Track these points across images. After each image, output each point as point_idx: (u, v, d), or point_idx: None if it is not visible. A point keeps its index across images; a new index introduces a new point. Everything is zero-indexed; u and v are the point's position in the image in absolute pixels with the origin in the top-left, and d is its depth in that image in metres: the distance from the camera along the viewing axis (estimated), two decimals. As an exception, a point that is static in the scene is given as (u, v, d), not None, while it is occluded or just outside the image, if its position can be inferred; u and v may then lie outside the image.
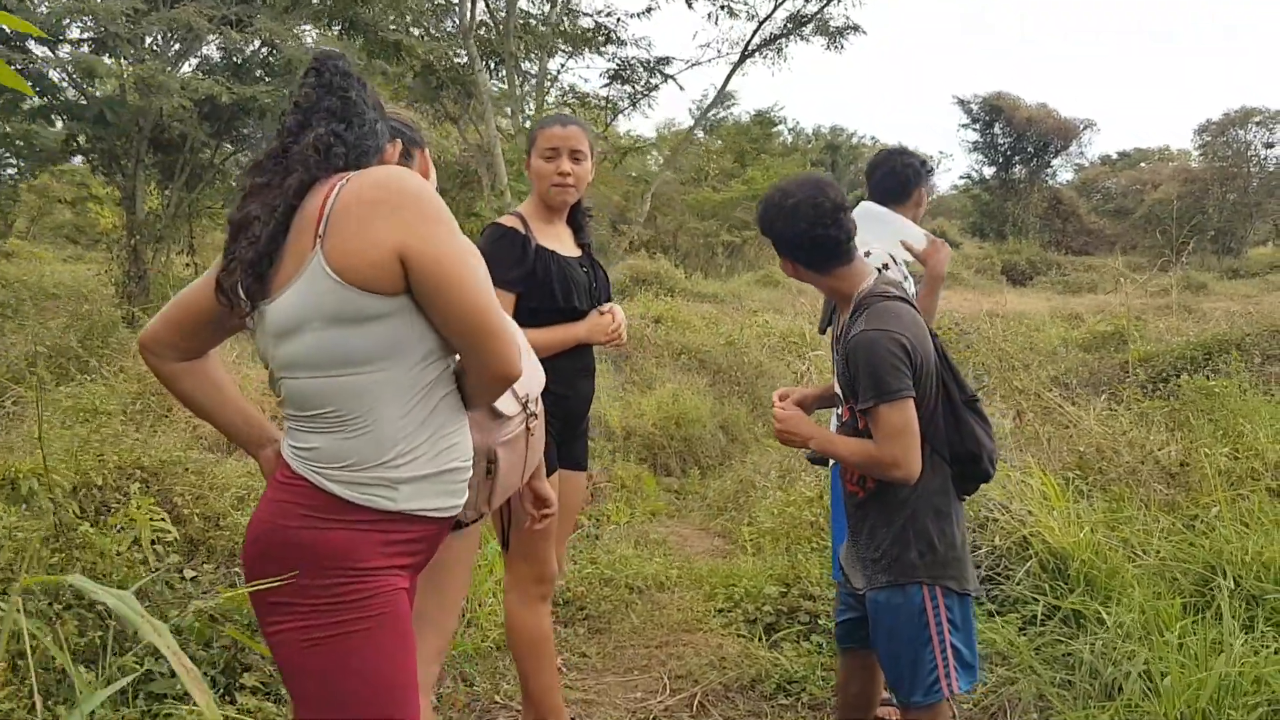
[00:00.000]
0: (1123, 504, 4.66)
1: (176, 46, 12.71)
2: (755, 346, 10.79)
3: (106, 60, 11.95)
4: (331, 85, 1.83)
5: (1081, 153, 41.98)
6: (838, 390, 2.79)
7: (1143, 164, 45.23)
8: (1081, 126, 39.07)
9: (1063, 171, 42.02)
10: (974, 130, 38.89)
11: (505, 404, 2.09)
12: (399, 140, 2.06)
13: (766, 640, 4.21)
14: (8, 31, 10.90)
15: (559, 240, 3.07)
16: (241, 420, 2.05)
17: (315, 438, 1.80)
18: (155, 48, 12.66)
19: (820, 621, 4.23)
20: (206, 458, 4.80)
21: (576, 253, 3.12)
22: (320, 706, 1.80)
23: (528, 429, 2.19)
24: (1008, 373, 7.30)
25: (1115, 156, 48.27)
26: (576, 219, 3.18)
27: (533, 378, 2.23)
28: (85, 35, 12.27)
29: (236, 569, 4.02)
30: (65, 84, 12.26)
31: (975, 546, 4.38)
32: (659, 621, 4.41)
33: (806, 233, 2.62)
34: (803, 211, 2.60)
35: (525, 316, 2.90)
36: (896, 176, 3.77)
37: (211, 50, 13.35)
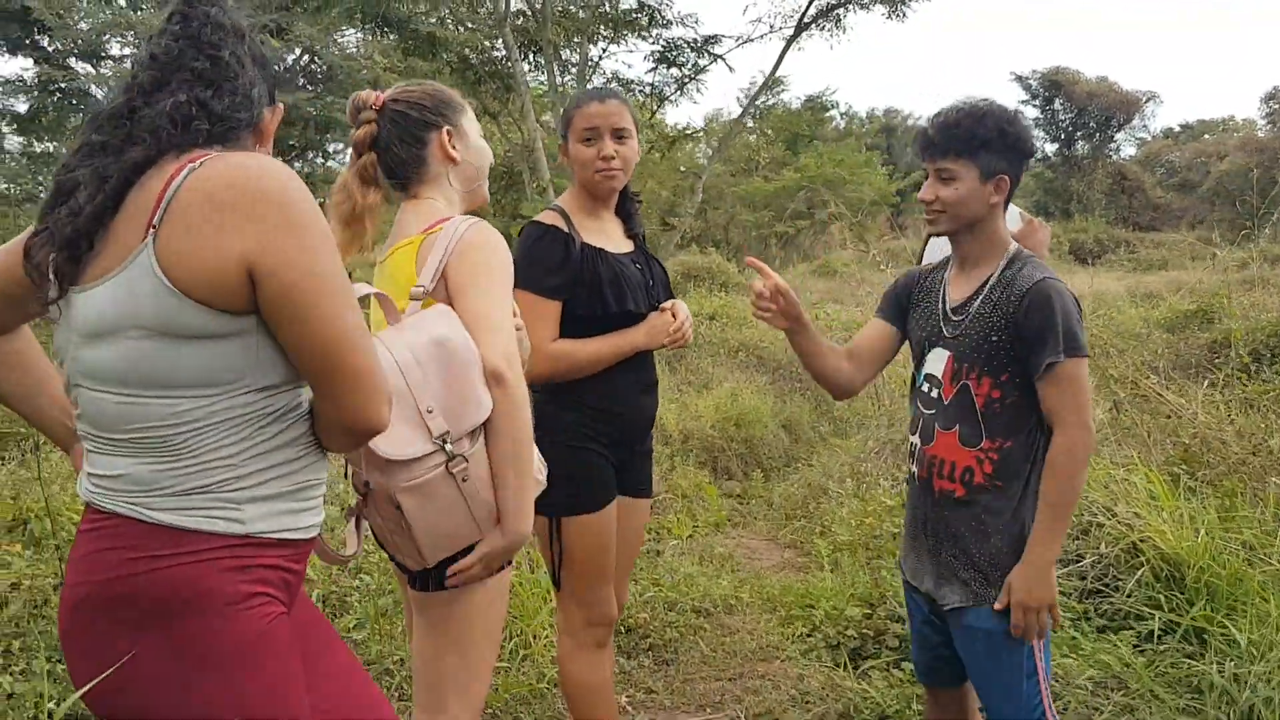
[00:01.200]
0: (1236, 501, 4.22)
1: (217, 58, 12.58)
2: (817, 340, 10.30)
3: (148, 75, 11.83)
4: (199, 39, 1.51)
5: (1145, 126, 40.86)
6: (931, 369, 2.43)
7: (1207, 135, 43.99)
8: (1144, 99, 37.99)
9: (1126, 146, 40.98)
10: (1034, 107, 37.92)
11: (398, 446, 1.76)
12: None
13: (853, 669, 3.80)
14: (49, 50, 10.87)
15: (606, 235, 2.69)
16: (57, 409, 1.73)
17: (120, 462, 1.46)
18: (196, 60, 12.54)
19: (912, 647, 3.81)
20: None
21: (628, 247, 2.75)
22: None
23: (449, 472, 1.82)
24: (1100, 360, 6.78)
25: (1178, 129, 46.96)
26: (625, 207, 2.80)
27: (464, 410, 1.85)
28: (127, 51, 12.21)
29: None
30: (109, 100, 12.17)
31: (1079, 556, 3.99)
32: (731, 649, 4.02)
33: (1029, 146, 2.35)
34: (1023, 122, 2.35)
35: (574, 325, 2.54)
36: None
37: (252, 60, 13.21)
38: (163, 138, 1.45)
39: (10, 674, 2.56)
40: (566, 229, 2.58)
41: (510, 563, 2.08)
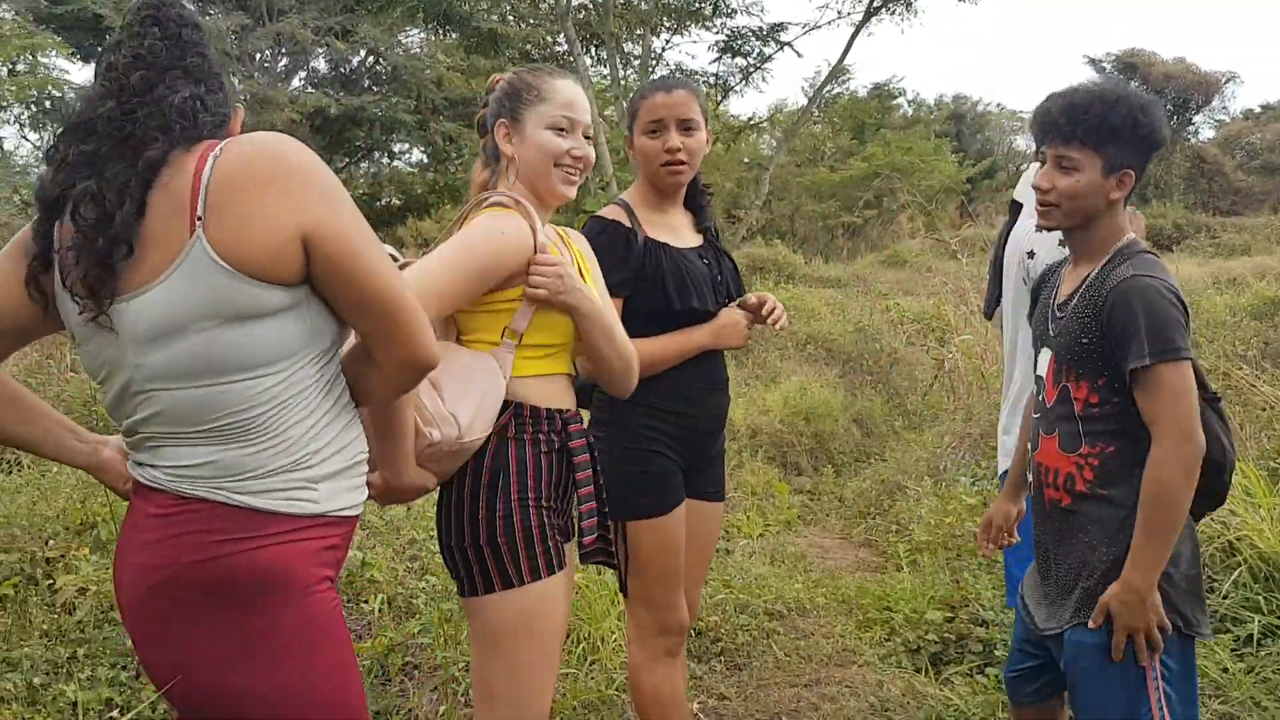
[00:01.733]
0: (1339, 497, 4.00)
1: (284, 61, 12.78)
2: (888, 332, 10.09)
3: (217, 79, 12.03)
4: (182, 38, 1.54)
5: (1224, 108, 39.50)
6: (1040, 371, 2.28)
7: (1290, 115, 42.38)
8: (1223, 80, 36.74)
9: (1205, 128, 39.66)
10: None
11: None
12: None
13: (934, 675, 3.65)
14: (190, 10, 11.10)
15: (673, 230, 2.59)
16: (61, 429, 1.73)
17: (206, 450, 1.51)
18: (265, 64, 12.73)
19: (996, 652, 3.65)
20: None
21: (696, 241, 2.64)
22: None
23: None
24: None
25: (1259, 110, 45.28)
26: (695, 200, 2.69)
27: (475, 416, 1.92)
28: (196, 56, 12.41)
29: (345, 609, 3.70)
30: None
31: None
32: (806, 654, 3.89)
33: (1161, 138, 2.15)
34: (1158, 111, 2.14)
35: (637, 323, 2.43)
36: None
37: (319, 63, 13.38)
38: (175, 134, 1.47)
39: (76, 681, 2.54)
40: (629, 223, 2.49)
41: (560, 568, 2.00)
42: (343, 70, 13.10)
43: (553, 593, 1.99)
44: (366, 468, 1.69)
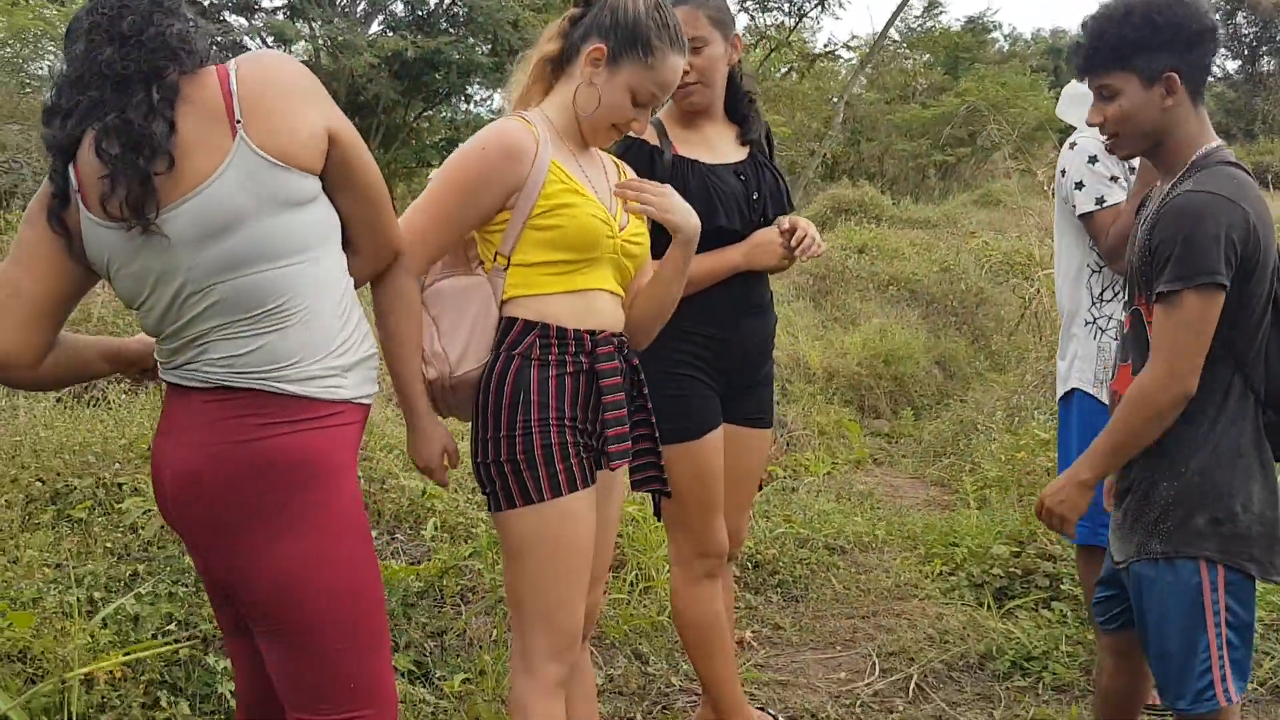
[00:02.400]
0: None
1: (363, 5, 12.85)
2: (974, 271, 9.80)
3: (298, 25, 12.17)
4: None
5: (1345, 35, 37.10)
6: (1117, 292, 2.25)
7: None
8: (1344, 6, 34.50)
9: (1321, 58, 37.35)
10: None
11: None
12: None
13: (997, 609, 3.57)
14: (205, 4, 11.30)
15: (709, 145, 2.50)
16: (107, 356, 1.92)
17: (256, 340, 1.65)
18: (344, 9, 12.82)
19: (1064, 586, 3.55)
20: (373, 416, 4.55)
21: (738, 156, 2.54)
22: (319, 630, 1.70)
23: None
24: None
25: (1385, 36, 42.46)
26: (739, 111, 2.60)
27: (466, 348, 2.00)
28: (279, 3, 12.58)
29: (402, 533, 3.76)
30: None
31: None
32: (865, 587, 3.84)
33: (1195, 28, 1.98)
34: (1185, 6, 1.99)
35: (664, 244, 2.36)
36: None
37: (397, 6, 13.42)
38: (182, 59, 1.61)
39: (137, 596, 2.63)
40: (656, 141, 2.42)
41: (583, 486, 1.98)
42: (420, 13, 13.10)
43: (574, 510, 1.97)
44: (377, 361, 1.83)
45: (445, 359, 1.97)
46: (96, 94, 1.59)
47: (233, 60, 1.67)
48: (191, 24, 1.67)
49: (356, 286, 1.86)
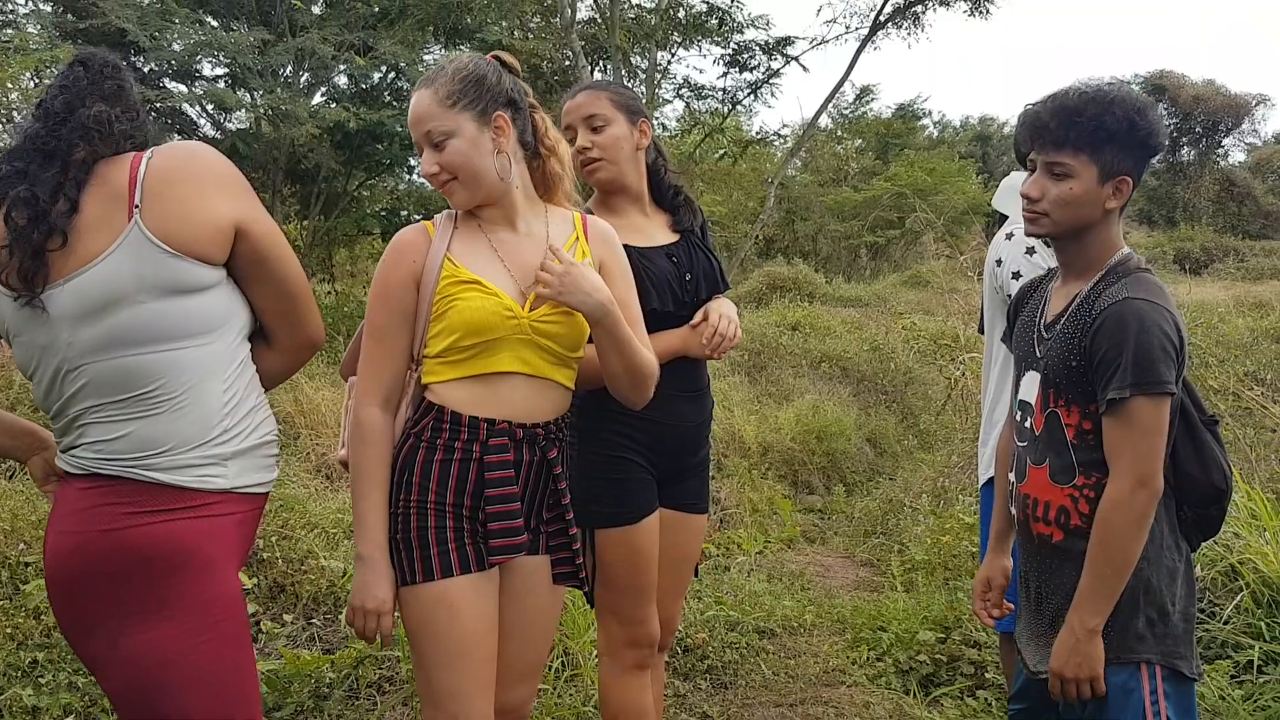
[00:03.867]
0: (1348, 524, 3.89)
1: (306, 77, 12.86)
2: (902, 351, 10.00)
3: (239, 94, 12.13)
4: (103, 74, 1.77)
5: (1255, 131, 38.97)
6: (1025, 396, 2.13)
7: (1324, 140, 41.79)
8: (1254, 103, 36.31)
9: (1235, 152, 39.19)
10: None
11: None
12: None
13: (923, 696, 3.57)
14: (144, 71, 11.22)
15: (638, 230, 2.53)
16: (22, 433, 1.90)
17: (125, 425, 1.66)
18: (287, 79, 12.83)
19: (988, 674, 3.57)
20: (297, 493, 4.47)
21: (668, 240, 2.58)
22: None
23: None
24: (1199, 369, 6.39)
25: (1292, 133, 44.73)
26: (666, 200, 2.64)
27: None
28: (220, 71, 12.54)
29: (319, 618, 3.66)
30: (202, 119, 12.56)
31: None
32: (794, 674, 3.82)
33: (1159, 142, 2.00)
34: (1154, 113, 1.99)
35: None
36: None
37: (340, 79, 13.46)
38: (95, 141, 1.68)
39: (36, 685, 2.52)
40: None
41: (465, 572, 1.96)
42: (363, 86, 13.16)
43: (452, 596, 1.95)
44: (276, 449, 1.84)
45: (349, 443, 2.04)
46: (22, 165, 1.67)
47: (154, 148, 1.73)
48: (118, 110, 1.73)
49: (274, 383, 1.89)
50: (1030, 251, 2.86)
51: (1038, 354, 2.10)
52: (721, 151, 14.33)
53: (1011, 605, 2.38)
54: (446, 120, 1.98)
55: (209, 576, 1.67)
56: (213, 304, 1.71)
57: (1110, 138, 1.94)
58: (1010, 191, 3.08)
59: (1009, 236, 2.95)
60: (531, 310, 2.03)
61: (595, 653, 3.53)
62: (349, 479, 2.02)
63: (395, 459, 2.00)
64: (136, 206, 1.64)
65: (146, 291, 1.63)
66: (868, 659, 3.88)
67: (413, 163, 13.27)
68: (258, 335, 1.87)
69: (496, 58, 2.12)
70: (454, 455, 1.97)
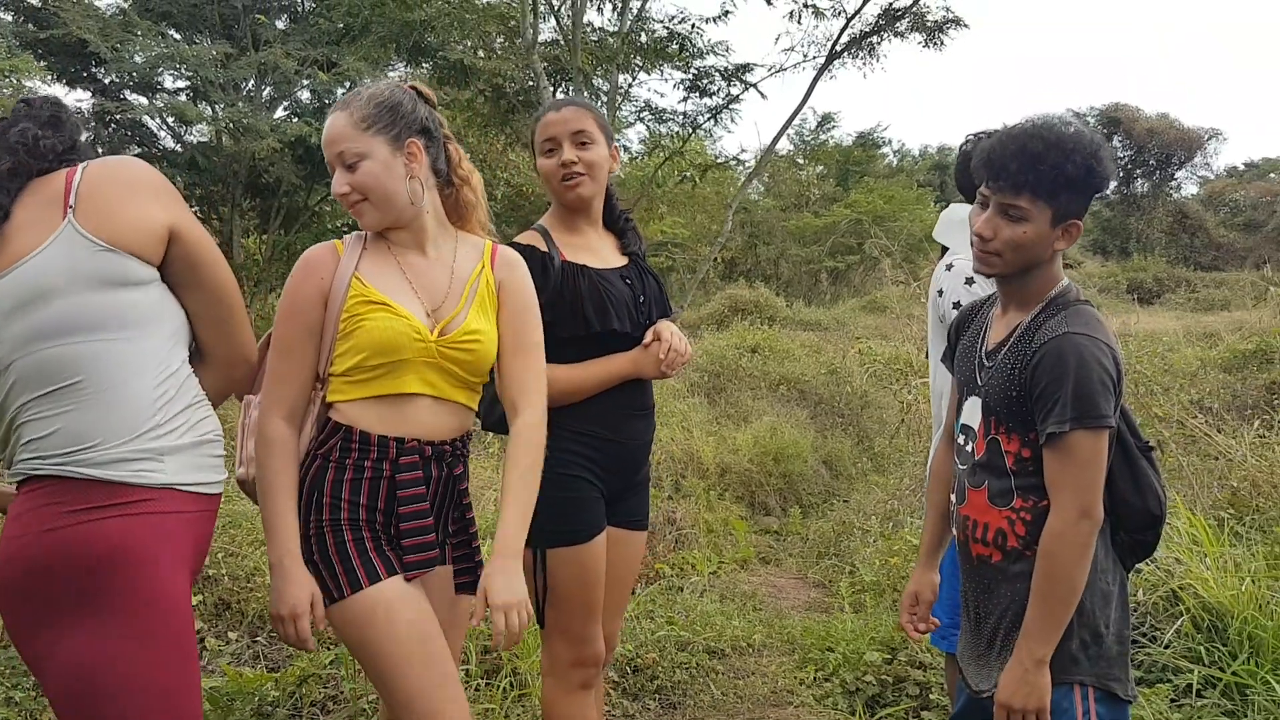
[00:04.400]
0: (1287, 549, 3.99)
1: (268, 91, 12.82)
2: (859, 375, 10.11)
3: (201, 107, 12.07)
4: (41, 106, 1.82)
5: (1207, 164, 39.87)
6: (967, 420, 2.16)
7: (1273, 174, 42.78)
8: (1207, 137, 37.14)
9: (1188, 184, 40.04)
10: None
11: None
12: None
13: (869, 716, 3.61)
14: (105, 82, 11.14)
15: (593, 251, 2.57)
16: None
17: (54, 421, 1.65)
18: (249, 94, 12.78)
19: (933, 695, 3.61)
20: (245, 509, 4.42)
21: (619, 262, 2.62)
22: None
23: None
24: (1144, 398, 6.52)
25: (1243, 167, 45.78)
26: (616, 223, 2.68)
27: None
28: (181, 84, 12.47)
29: (264, 636, 3.64)
30: (163, 132, 12.46)
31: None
32: (742, 694, 3.84)
33: (1108, 184, 2.02)
34: (1108, 156, 1.99)
35: (557, 349, 2.39)
36: None
37: (303, 94, 13.42)
38: (20, 154, 1.71)
39: (-29, 700, 2.49)
40: (545, 248, 2.47)
41: (388, 576, 1.99)
42: (326, 101, 13.14)
43: (383, 598, 1.96)
44: (220, 449, 1.82)
45: (249, 461, 2.05)
46: None
47: (88, 160, 1.77)
48: (46, 131, 1.76)
49: (213, 403, 1.88)
50: (969, 282, 2.93)
51: (979, 381, 2.14)
52: (682, 175, 14.46)
53: (938, 620, 2.44)
54: (360, 142, 2.01)
55: (149, 577, 1.64)
56: (143, 300, 1.72)
57: (1068, 184, 1.95)
58: (950, 224, 3.15)
59: (949, 267, 3.01)
60: (440, 336, 2.05)
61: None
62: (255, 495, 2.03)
63: (302, 479, 2.01)
64: (71, 208, 1.68)
65: (77, 283, 1.65)
66: (815, 679, 3.91)
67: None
68: (194, 355, 1.87)
69: (414, 88, 2.16)
70: (364, 474, 2.00)
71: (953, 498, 2.24)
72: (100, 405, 1.66)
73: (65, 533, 1.60)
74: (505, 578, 1.98)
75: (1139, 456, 2.06)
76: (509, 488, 2.07)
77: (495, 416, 2.61)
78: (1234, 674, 3.27)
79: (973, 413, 2.15)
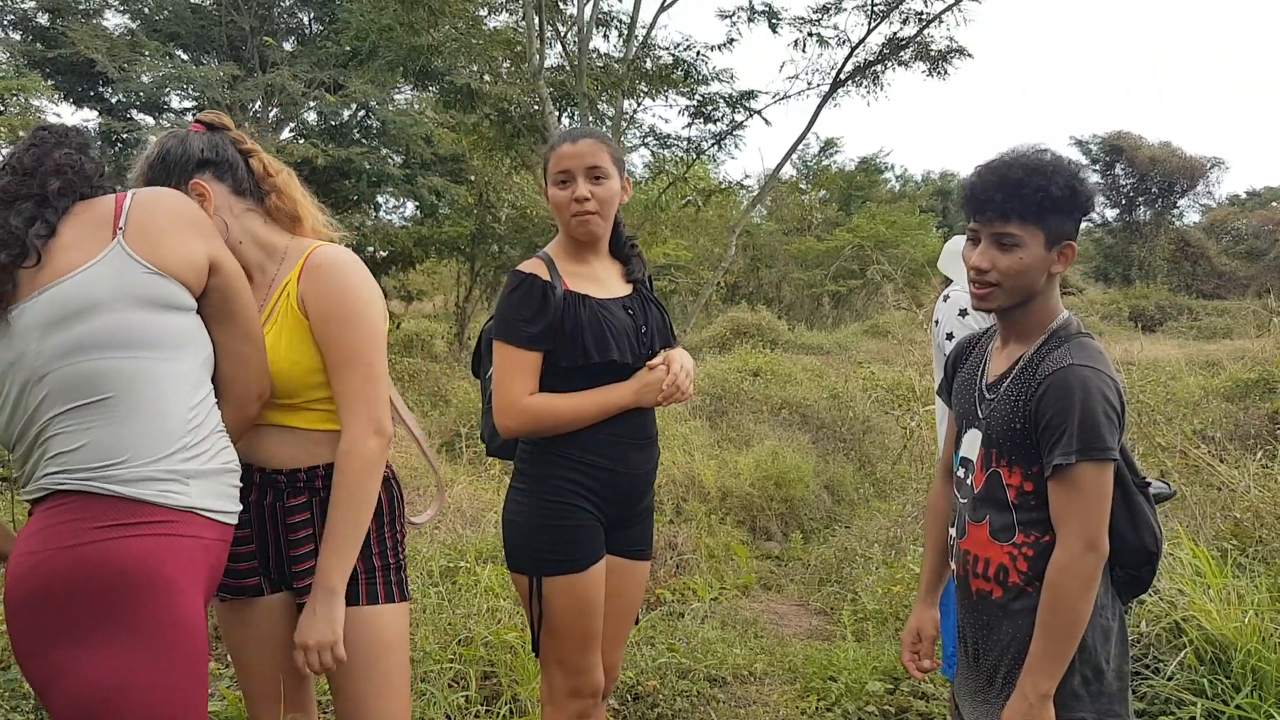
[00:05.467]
0: (1292, 581, 3.96)
1: (275, 112, 12.90)
2: (861, 400, 10.10)
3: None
4: (66, 133, 1.86)
5: (1209, 192, 39.95)
6: (966, 453, 2.15)
7: (1275, 203, 42.89)
8: (1209, 165, 37.25)
9: (1190, 212, 40.14)
10: (1094, 171, 37.29)
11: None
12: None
13: (870, 747, 3.59)
14: (112, 102, 11.22)
15: (597, 280, 2.56)
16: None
17: (84, 435, 1.66)
18: (256, 115, 12.85)
19: (934, 727, 3.59)
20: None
21: (623, 291, 2.61)
22: None
23: None
24: (1147, 427, 6.51)
25: (1245, 196, 45.91)
26: (621, 251, 2.68)
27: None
28: (188, 104, 12.56)
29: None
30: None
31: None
32: (744, 723, 3.82)
33: (1093, 204, 2.03)
34: (1088, 178, 2.02)
35: (558, 377, 2.41)
36: None
37: (310, 115, 13.51)
38: (68, 174, 1.76)
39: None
40: (547, 276, 2.46)
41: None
42: (333, 123, 13.23)
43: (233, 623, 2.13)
44: (238, 480, 1.84)
45: None
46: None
47: (134, 189, 1.83)
48: (82, 157, 1.81)
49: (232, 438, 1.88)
50: (963, 314, 2.95)
51: (979, 413, 2.13)
52: (686, 199, 14.52)
53: (939, 661, 2.42)
54: None
55: (170, 599, 1.64)
56: (185, 324, 1.77)
57: (1055, 206, 1.97)
58: (952, 255, 3.17)
59: (946, 299, 3.05)
60: None
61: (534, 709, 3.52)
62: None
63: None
64: (121, 229, 1.72)
65: (123, 300, 1.68)
66: (817, 709, 3.88)
67: (379, 200, 13.36)
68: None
69: (200, 122, 2.15)
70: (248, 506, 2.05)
71: (952, 531, 2.23)
72: (132, 422, 1.67)
73: (87, 549, 1.60)
74: (310, 616, 1.97)
75: (1136, 492, 2.06)
76: (327, 521, 2.01)
77: (496, 444, 2.63)
78: (1238, 708, 3.24)
79: (972, 445, 2.15)
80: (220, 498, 1.77)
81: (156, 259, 1.72)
